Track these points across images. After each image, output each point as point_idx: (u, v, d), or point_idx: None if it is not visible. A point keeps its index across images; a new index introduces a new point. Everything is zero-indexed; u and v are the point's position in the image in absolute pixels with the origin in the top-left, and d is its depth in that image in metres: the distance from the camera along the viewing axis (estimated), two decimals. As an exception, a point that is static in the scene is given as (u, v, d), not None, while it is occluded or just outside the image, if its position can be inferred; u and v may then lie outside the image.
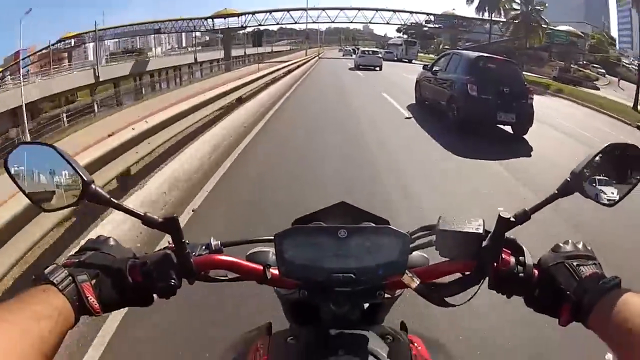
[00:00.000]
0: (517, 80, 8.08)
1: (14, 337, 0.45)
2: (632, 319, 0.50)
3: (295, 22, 41.98)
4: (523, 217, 0.63)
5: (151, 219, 0.63)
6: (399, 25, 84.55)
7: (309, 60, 27.17)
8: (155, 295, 0.64)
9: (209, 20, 47.94)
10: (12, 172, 0.63)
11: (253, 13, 48.98)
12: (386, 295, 0.68)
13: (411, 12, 48.75)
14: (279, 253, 0.63)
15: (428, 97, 9.81)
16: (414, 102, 10.79)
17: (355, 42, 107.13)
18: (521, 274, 0.62)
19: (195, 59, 43.28)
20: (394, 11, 51.19)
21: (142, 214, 0.64)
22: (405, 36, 59.04)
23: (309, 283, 0.66)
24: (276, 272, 0.66)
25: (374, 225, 0.72)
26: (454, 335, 2.08)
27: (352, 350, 0.62)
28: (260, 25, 48.72)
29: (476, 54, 8.97)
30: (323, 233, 0.64)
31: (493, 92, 7.57)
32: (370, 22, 55.20)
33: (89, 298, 0.57)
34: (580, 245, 0.64)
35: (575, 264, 0.60)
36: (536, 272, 0.63)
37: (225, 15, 48.58)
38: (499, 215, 0.62)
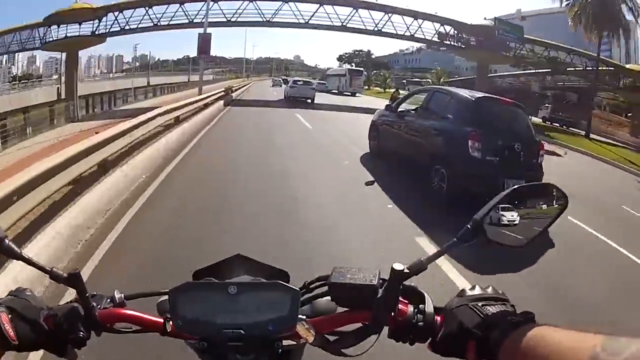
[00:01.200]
0: (527, 132, 6.42)
1: None
2: (547, 355, 0.51)
3: (191, 22, 27.12)
4: (418, 266, 0.69)
5: (57, 274, 0.71)
6: (342, 54, 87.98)
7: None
8: (69, 346, 0.70)
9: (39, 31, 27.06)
10: None
11: (121, 9, 26.93)
12: (291, 343, 0.74)
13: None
14: (172, 308, 0.70)
15: (391, 148, 7.86)
16: (367, 151, 8.97)
17: (286, 72, 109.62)
18: (420, 323, 0.68)
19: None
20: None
21: (49, 269, 0.71)
22: (348, 65, 59.63)
23: (201, 337, 0.71)
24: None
25: (264, 281, 0.78)
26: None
27: None
28: (123, 30, 27.23)
29: (477, 93, 6.99)
30: (214, 289, 0.71)
31: (500, 150, 5.79)
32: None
33: (5, 325, 0.62)
34: (489, 289, 0.67)
35: (480, 304, 0.64)
36: (438, 318, 0.68)
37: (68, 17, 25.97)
38: (392, 267, 0.68)
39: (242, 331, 0.68)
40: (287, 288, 0.70)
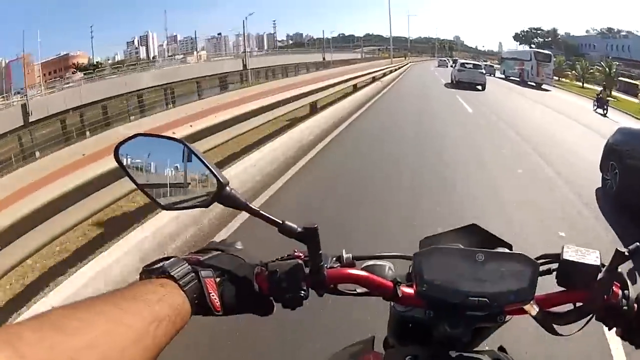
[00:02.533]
0: None
1: (131, 343, 0.48)
2: None
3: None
4: (637, 252, 0.75)
5: (290, 228, 0.74)
6: (518, 32, 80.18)
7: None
8: (278, 305, 0.74)
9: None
10: (124, 162, 0.74)
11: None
12: (505, 319, 0.80)
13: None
14: (417, 272, 0.76)
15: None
16: (601, 200, 5.80)
17: (450, 52, 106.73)
18: (625, 307, 0.75)
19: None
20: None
21: (280, 221, 0.74)
22: (525, 47, 52.82)
23: (439, 304, 0.76)
24: (406, 289, 0.78)
25: (508, 251, 0.84)
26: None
27: None
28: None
29: None
30: (462, 255, 0.77)
31: None
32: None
33: (211, 294, 0.64)
34: None
35: None
36: (636, 306, 0.75)
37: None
38: (617, 250, 0.74)
39: (487, 300, 0.74)
40: (529, 260, 0.76)
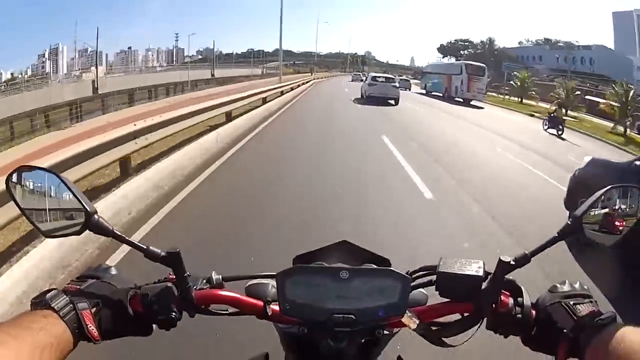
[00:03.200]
0: None
1: None
2: (629, 354, 0.67)
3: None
4: (523, 260, 0.84)
5: (154, 253, 0.83)
6: (444, 44, 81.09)
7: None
8: (155, 326, 0.85)
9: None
10: (14, 193, 0.84)
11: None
12: (385, 332, 0.89)
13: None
14: (280, 291, 0.84)
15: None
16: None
17: (362, 67, 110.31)
18: (519, 315, 0.83)
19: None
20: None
21: (144, 247, 0.83)
22: (450, 59, 52.99)
23: (307, 322, 0.86)
24: (276, 307, 0.86)
25: (375, 267, 0.95)
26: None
27: None
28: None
29: None
30: (325, 273, 0.85)
31: None
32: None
33: (88, 326, 0.74)
34: (577, 285, 0.86)
35: (572, 302, 0.81)
36: (533, 312, 0.83)
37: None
38: (499, 259, 0.83)
39: (352, 317, 0.81)
40: (399, 275, 0.84)
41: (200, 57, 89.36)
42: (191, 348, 2.82)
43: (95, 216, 0.82)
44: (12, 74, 43.66)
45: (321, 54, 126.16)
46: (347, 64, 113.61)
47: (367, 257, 1.02)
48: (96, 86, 32.14)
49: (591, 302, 0.82)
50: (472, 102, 33.59)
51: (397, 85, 27.24)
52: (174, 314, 0.83)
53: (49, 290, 0.76)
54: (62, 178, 0.84)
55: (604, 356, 0.70)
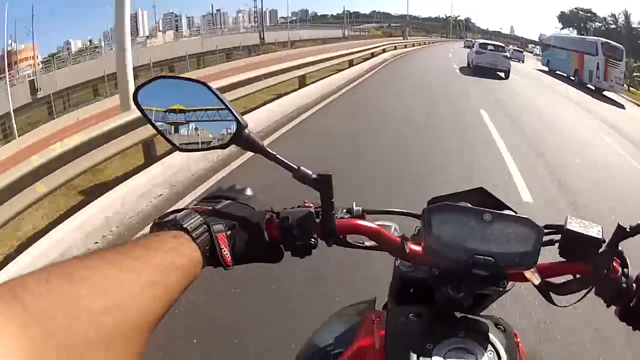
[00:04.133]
0: None
1: (141, 290, 0.57)
2: None
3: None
4: (637, 229, 0.88)
5: (304, 173, 0.87)
6: (565, 12, 72.95)
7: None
8: (287, 253, 0.89)
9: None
10: (143, 106, 0.88)
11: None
12: (507, 285, 0.92)
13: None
14: (426, 227, 0.87)
15: None
16: None
17: (464, 32, 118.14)
18: (624, 285, 0.88)
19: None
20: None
21: (295, 167, 0.87)
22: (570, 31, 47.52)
23: (446, 262, 0.89)
24: (414, 247, 0.91)
25: (515, 214, 0.95)
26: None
27: (473, 336, 0.86)
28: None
29: None
30: (470, 214, 0.88)
31: None
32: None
33: (223, 250, 0.77)
34: None
35: None
36: (634, 285, 0.89)
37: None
38: (619, 224, 0.88)
39: (492, 259, 0.85)
40: (535, 225, 0.87)
41: (294, 18, 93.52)
42: (304, 282, 3.45)
43: (246, 130, 0.86)
44: (90, 40, 44.91)
45: (420, 17, 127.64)
46: (450, 29, 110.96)
47: (499, 205, 1.04)
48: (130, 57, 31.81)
49: None
50: (605, 93, 27.87)
51: (508, 55, 26.84)
52: (313, 240, 0.88)
53: (176, 210, 0.78)
54: (210, 88, 0.86)
55: None
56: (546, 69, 38.02)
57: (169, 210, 0.79)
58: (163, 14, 56.57)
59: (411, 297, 1.04)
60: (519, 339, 0.96)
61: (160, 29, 55.84)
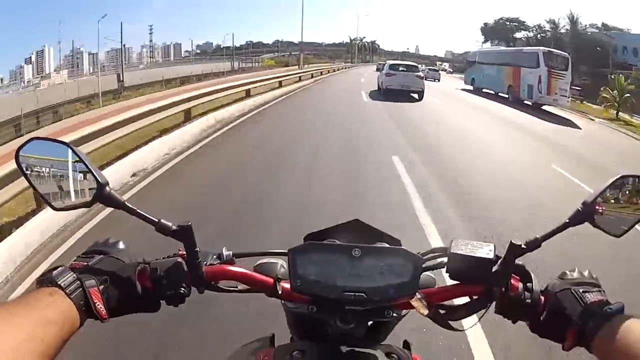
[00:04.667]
0: None
1: (19, 342, 0.65)
2: (635, 345, 0.76)
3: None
4: (534, 244, 0.95)
5: (165, 226, 0.92)
6: (488, 23, 72.11)
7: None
8: (163, 302, 0.94)
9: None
10: (23, 166, 0.93)
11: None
12: (394, 314, 1.00)
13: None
14: (292, 268, 0.93)
15: None
16: None
17: (370, 55, 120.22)
18: (528, 300, 0.94)
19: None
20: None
21: (156, 220, 0.93)
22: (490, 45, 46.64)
23: (319, 299, 0.96)
24: (287, 285, 0.97)
25: (388, 245, 1.04)
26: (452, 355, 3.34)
27: None
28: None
29: None
30: (337, 251, 0.95)
31: None
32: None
33: (96, 304, 0.82)
34: (586, 273, 0.96)
35: (581, 290, 0.91)
36: (542, 298, 0.94)
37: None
38: (511, 242, 0.94)
39: (364, 295, 0.90)
40: (411, 255, 0.93)
41: (198, 51, 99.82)
42: (196, 327, 3.41)
43: (107, 188, 0.92)
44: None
45: (323, 43, 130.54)
46: (355, 53, 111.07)
47: (378, 236, 1.10)
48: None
49: (600, 291, 0.92)
50: (547, 108, 25.73)
51: (422, 75, 26.73)
52: (183, 289, 0.92)
53: (56, 267, 0.83)
54: (74, 149, 0.93)
55: (611, 346, 0.79)
56: (471, 87, 36.36)
57: (50, 268, 0.83)
58: (70, 51, 59.39)
59: (308, 329, 1.09)
60: None
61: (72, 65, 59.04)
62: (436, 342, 3.29)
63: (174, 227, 0.92)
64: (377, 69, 50.92)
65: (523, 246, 0.94)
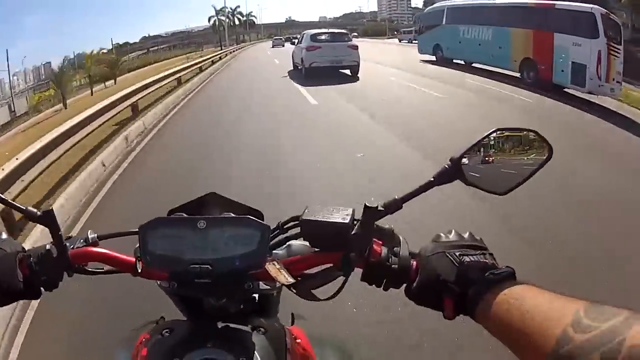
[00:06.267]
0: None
1: None
2: (525, 316, 0.67)
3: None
4: (393, 206, 0.92)
5: (31, 213, 0.96)
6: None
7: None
8: (42, 289, 0.96)
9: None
10: None
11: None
12: (266, 287, 1.03)
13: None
14: (143, 244, 0.94)
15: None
16: None
17: (242, 35, 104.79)
18: (394, 265, 0.90)
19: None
20: None
21: (23, 207, 0.97)
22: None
23: (175, 275, 0.96)
24: None
25: (233, 215, 1.04)
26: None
27: (223, 344, 0.91)
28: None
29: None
30: (183, 224, 0.96)
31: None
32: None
33: None
34: (466, 235, 0.90)
35: (457, 253, 0.85)
36: (414, 263, 0.89)
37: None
38: (365, 205, 0.91)
39: (209, 267, 0.90)
40: (257, 223, 0.94)
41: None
42: (89, 310, 3.48)
43: None
44: None
45: (193, 30, 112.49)
46: (225, 31, 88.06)
47: (240, 208, 1.12)
48: None
49: (484, 254, 0.85)
50: (594, 99, 15.59)
51: (355, 44, 21.20)
52: (53, 274, 0.95)
53: None
54: None
55: (496, 315, 0.72)
56: (433, 57, 25.66)
57: None
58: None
59: (190, 308, 1.08)
60: (297, 336, 1.08)
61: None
62: (322, 314, 2.97)
63: (39, 214, 0.95)
64: (273, 45, 53.59)
65: (380, 208, 0.91)
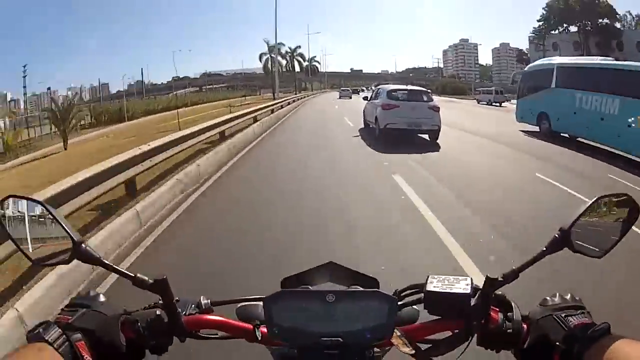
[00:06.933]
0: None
1: None
2: None
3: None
4: (511, 276, 0.98)
5: (142, 280, 0.98)
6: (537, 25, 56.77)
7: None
8: (147, 351, 0.98)
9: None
10: (2, 221, 1.02)
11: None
12: (376, 353, 1.03)
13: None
14: (267, 317, 0.96)
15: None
16: None
17: (305, 82, 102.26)
18: (509, 330, 0.96)
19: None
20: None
21: (132, 275, 0.98)
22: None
23: (295, 346, 1.00)
24: (265, 330, 0.99)
25: (361, 289, 1.09)
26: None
27: None
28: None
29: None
30: (311, 297, 0.98)
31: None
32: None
33: (84, 357, 0.85)
34: (568, 297, 0.98)
35: (563, 315, 0.93)
36: (525, 326, 0.96)
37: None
38: (487, 276, 0.96)
39: (340, 339, 0.93)
40: (385, 296, 0.96)
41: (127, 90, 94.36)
42: None
43: (83, 245, 0.97)
44: None
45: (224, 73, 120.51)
46: (275, 77, 63.27)
47: (354, 277, 1.16)
48: None
49: (583, 313, 0.93)
50: None
51: (436, 105, 18.52)
52: (165, 339, 0.97)
53: (42, 323, 0.87)
54: (48, 208, 1.00)
55: None
56: (536, 128, 20.54)
57: (37, 323, 0.87)
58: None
59: None
60: None
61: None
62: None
63: (151, 281, 0.97)
64: (340, 97, 50.63)
65: (500, 279, 0.96)
